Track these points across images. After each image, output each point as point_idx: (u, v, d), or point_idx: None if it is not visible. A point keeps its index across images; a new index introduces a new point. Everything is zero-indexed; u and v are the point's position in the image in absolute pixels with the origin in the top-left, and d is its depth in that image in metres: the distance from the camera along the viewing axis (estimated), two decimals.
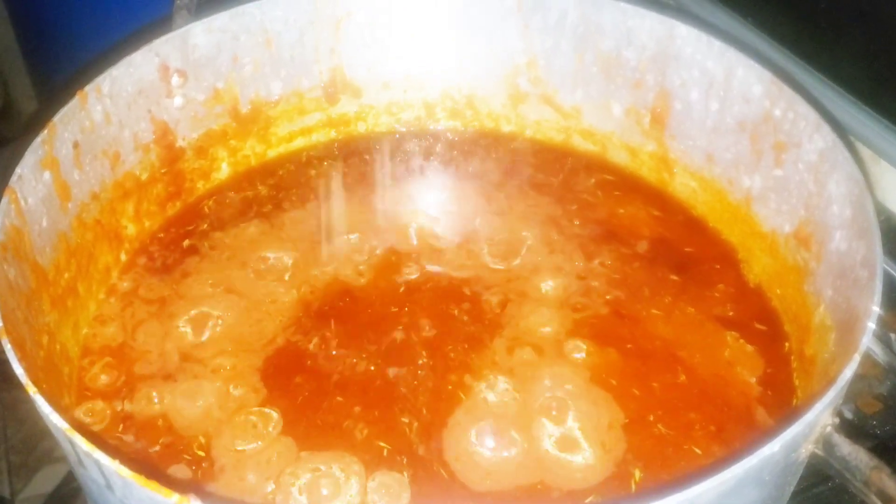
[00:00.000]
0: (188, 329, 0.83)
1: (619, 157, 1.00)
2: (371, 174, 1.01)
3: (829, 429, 0.59)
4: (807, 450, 0.59)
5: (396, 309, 0.85)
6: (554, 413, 0.75)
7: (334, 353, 0.81)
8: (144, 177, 0.91)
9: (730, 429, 0.75)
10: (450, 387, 0.78)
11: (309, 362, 0.80)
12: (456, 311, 0.84)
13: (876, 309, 0.62)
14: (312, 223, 0.94)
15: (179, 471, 0.71)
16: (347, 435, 0.74)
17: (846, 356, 0.60)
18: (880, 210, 0.99)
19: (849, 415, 0.85)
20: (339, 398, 0.77)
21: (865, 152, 0.99)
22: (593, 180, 0.99)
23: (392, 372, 0.79)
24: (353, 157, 1.03)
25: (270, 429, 0.74)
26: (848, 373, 0.58)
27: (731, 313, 0.84)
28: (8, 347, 0.60)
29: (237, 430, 0.74)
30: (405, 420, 0.75)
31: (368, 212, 0.95)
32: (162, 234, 0.92)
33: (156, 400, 0.76)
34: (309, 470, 0.71)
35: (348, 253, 0.90)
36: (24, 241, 0.73)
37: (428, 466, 0.72)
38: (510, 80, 1.02)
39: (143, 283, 0.87)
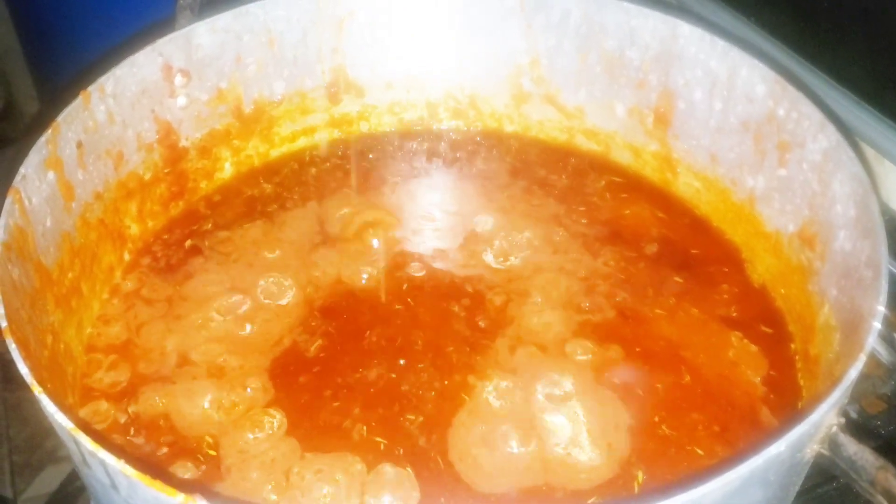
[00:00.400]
0: (192, 329, 0.82)
1: (622, 157, 1.00)
2: (374, 174, 1.01)
3: (834, 428, 0.58)
4: (812, 450, 0.59)
5: (400, 308, 0.85)
6: (558, 413, 0.75)
7: (338, 353, 0.81)
8: (148, 176, 0.91)
9: (734, 429, 0.75)
10: (453, 387, 0.78)
11: (313, 362, 0.80)
12: (459, 311, 0.84)
13: (881, 309, 0.62)
14: (315, 223, 0.94)
15: (184, 470, 0.71)
16: (351, 435, 0.74)
17: (851, 356, 0.60)
18: (884, 210, 0.99)
19: (853, 414, 0.84)
20: (342, 398, 0.77)
21: (869, 152, 0.99)
22: (596, 180, 0.99)
23: (395, 372, 0.79)
24: (356, 156, 1.03)
25: (276, 429, 0.74)
26: (853, 373, 0.58)
27: (735, 313, 0.84)
28: (13, 347, 0.60)
29: (242, 431, 0.74)
30: (409, 420, 0.75)
31: (371, 212, 0.95)
32: (165, 234, 0.92)
33: (160, 400, 0.76)
34: (314, 470, 0.71)
35: (352, 253, 0.90)
36: (29, 240, 0.73)
37: (432, 467, 0.72)
38: (513, 79, 1.02)
39: (146, 282, 0.87)
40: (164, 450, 0.73)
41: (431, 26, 1.01)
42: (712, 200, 0.94)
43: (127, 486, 0.53)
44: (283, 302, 0.85)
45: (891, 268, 0.67)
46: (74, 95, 0.81)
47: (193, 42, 0.91)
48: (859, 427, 0.83)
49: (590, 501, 0.70)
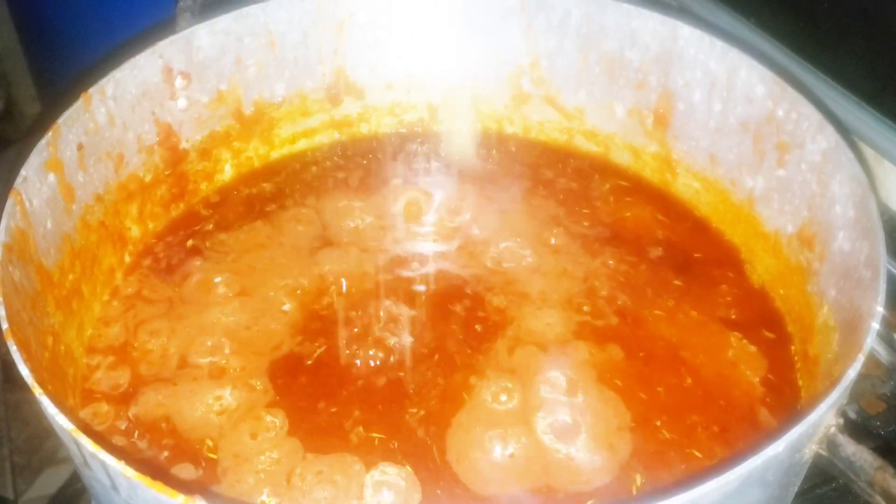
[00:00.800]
0: (193, 330, 0.83)
1: (622, 158, 1.01)
2: (374, 175, 1.01)
3: (833, 429, 0.59)
4: (811, 450, 0.59)
5: (400, 310, 0.85)
6: (558, 414, 0.75)
7: (338, 354, 0.81)
8: (148, 179, 0.91)
9: (733, 429, 0.75)
10: (454, 388, 0.78)
11: (314, 364, 0.80)
12: (459, 312, 0.85)
13: (880, 309, 0.62)
14: (316, 224, 0.94)
15: (185, 471, 0.71)
16: (351, 436, 0.74)
17: (850, 356, 0.60)
18: (883, 210, 0.99)
19: (852, 415, 0.84)
20: (343, 399, 0.77)
21: (869, 153, 0.99)
22: (596, 181, 0.99)
23: (396, 373, 0.79)
24: (356, 158, 1.03)
25: (277, 430, 0.74)
26: (852, 373, 0.58)
27: (734, 314, 0.84)
28: (14, 349, 0.60)
29: (243, 432, 0.74)
30: (409, 421, 0.75)
31: (371, 213, 0.95)
32: (166, 236, 0.92)
33: (161, 401, 0.76)
34: (314, 471, 0.71)
35: (352, 254, 0.90)
36: (30, 242, 0.73)
37: (431, 468, 0.72)
38: (513, 80, 1.02)
39: (147, 284, 0.87)
40: (165, 451, 0.73)
41: (432, 28, 1.01)
42: (712, 201, 0.94)
43: (127, 488, 0.53)
44: (283, 303, 0.85)
45: (890, 268, 0.67)
46: (75, 98, 0.81)
47: (194, 44, 0.91)
48: (858, 427, 0.83)
49: (589, 502, 0.70)
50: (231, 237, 0.92)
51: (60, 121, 0.79)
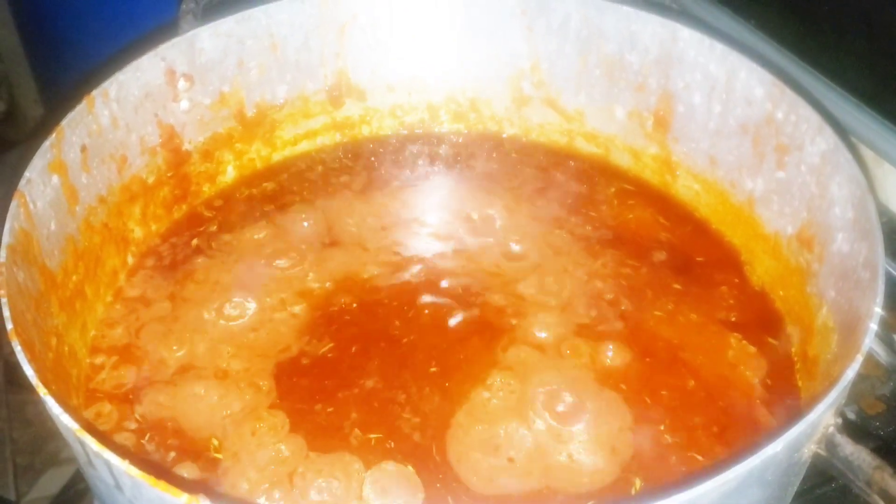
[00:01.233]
0: (196, 331, 0.83)
1: (622, 160, 1.01)
2: (376, 177, 1.01)
3: (831, 429, 0.59)
4: (810, 450, 0.60)
5: (401, 310, 0.85)
6: (558, 414, 0.75)
7: (340, 355, 0.81)
8: (151, 180, 0.91)
9: (733, 430, 0.75)
10: (454, 388, 0.78)
11: (316, 364, 0.80)
12: (461, 313, 0.85)
13: (878, 310, 0.63)
14: (318, 226, 0.94)
15: (189, 471, 0.72)
16: (354, 436, 0.74)
17: (848, 357, 0.61)
18: (883, 212, 0.99)
19: (852, 416, 0.85)
20: (344, 399, 0.77)
21: (868, 154, 0.99)
22: (596, 183, 0.99)
23: (397, 373, 0.79)
24: (358, 159, 1.03)
25: (280, 430, 0.74)
26: (850, 373, 0.59)
27: (734, 315, 0.85)
28: (18, 349, 0.60)
29: (246, 432, 0.74)
30: (410, 421, 0.75)
31: (373, 214, 0.96)
32: (169, 237, 0.93)
33: (164, 402, 0.77)
34: (317, 471, 0.71)
35: (353, 255, 0.91)
36: (33, 244, 0.73)
37: (431, 468, 0.72)
38: (514, 83, 1.03)
39: (150, 285, 0.88)
40: (169, 451, 0.73)
41: (433, 31, 1.02)
42: (711, 203, 0.94)
43: (131, 487, 0.54)
44: (286, 304, 0.85)
45: (888, 269, 0.68)
46: (78, 100, 0.81)
47: (196, 46, 0.91)
48: (858, 428, 0.84)
49: (588, 502, 0.70)
50: (234, 238, 0.93)
51: (64, 123, 0.79)
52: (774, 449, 0.53)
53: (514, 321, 0.84)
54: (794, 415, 0.75)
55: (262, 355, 0.81)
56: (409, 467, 0.72)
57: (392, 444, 0.74)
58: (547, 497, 0.71)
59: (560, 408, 0.76)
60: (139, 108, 0.88)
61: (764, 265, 0.88)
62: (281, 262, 0.90)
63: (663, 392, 0.78)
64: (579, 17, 0.96)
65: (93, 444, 0.54)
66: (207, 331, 0.83)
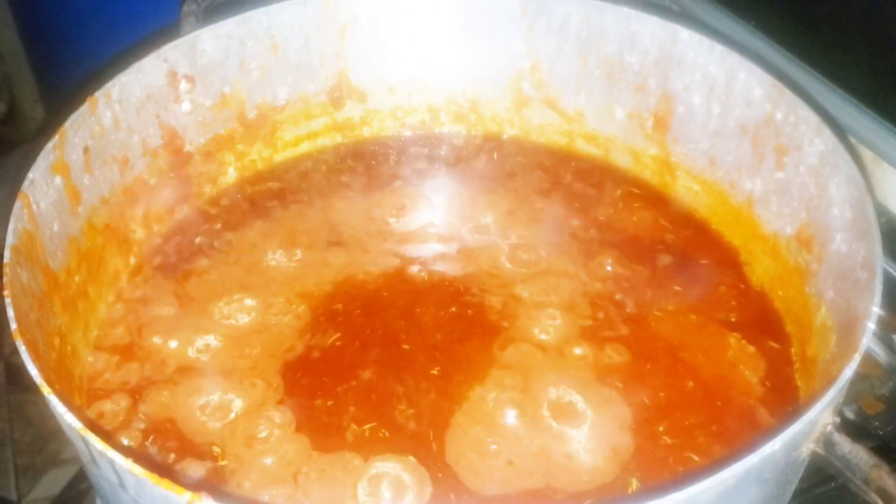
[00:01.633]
0: (198, 331, 0.83)
1: (621, 161, 1.01)
2: (376, 178, 1.02)
3: (829, 427, 0.59)
4: (808, 448, 0.60)
5: (402, 310, 0.85)
6: (557, 414, 0.76)
7: (342, 354, 0.81)
8: (153, 181, 0.92)
9: (732, 429, 0.75)
10: (454, 388, 0.78)
11: (319, 363, 0.81)
12: (461, 314, 0.85)
13: (876, 309, 0.63)
14: (319, 227, 0.95)
15: (192, 470, 0.72)
16: (353, 435, 0.75)
17: (847, 356, 0.61)
18: (882, 212, 1.00)
19: (851, 415, 0.85)
20: (344, 398, 0.77)
21: (868, 155, 0.99)
22: (596, 184, 1.00)
23: (399, 373, 0.79)
24: (359, 160, 1.04)
25: (283, 429, 0.75)
26: (848, 372, 0.59)
27: (733, 315, 0.85)
28: (22, 349, 0.61)
29: (251, 430, 0.75)
30: (410, 421, 0.76)
31: (373, 216, 0.96)
32: (171, 238, 0.93)
33: (167, 401, 0.77)
34: (320, 470, 0.72)
35: (354, 256, 0.91)
36: (37, 244, 0.73)
37: (431, 467, 0.72)
38: (514, 84, 1.03)
39: (152, 285, 0.88)
40: (172, 450, 0.74)
41: (433, 32, 1.02)
42: (711, 203, 0.94)
43: (135, 485, 0.54)
44: (288, 304, 0.86)
45: (887, 268, 0.68)
46: (81, 101, 0.82)
47: (198, 48, 0.92)
48: (857, 428, 0.84)
49: (588, 501, 0.71)
50: (235, 238, 0.93)
51: (67, 124, 0.79)
52: (773, 447, 0.54)
53: (514, 322, 0.84)
54: (793, 414, 0.75)
55: (264, 355, 0.81)
56: (413, 461, 0.72)
57: (391, 443, 0.74)
58: (547, 496, 0.71)
59: (559, 408, 0.76)
60: (141, 109, 0.88)
61: (763, 265, 0.88)
62: (282, 263, 0.90)
63: (663, 391, 0.78)
64: (579, 18, 0.96)
65: (97, 442, 0.54)
66: (209, 331, 0.83)
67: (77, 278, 0.80)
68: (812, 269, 0.80)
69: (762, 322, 0.84)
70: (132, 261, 0.90)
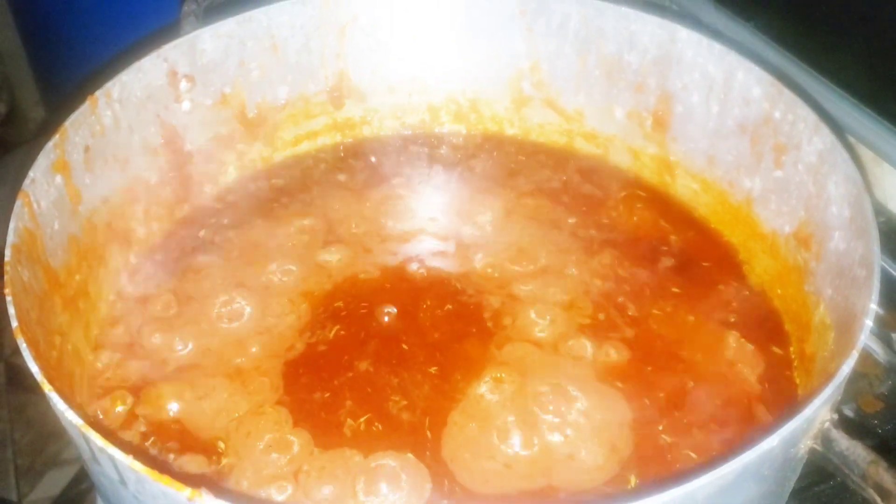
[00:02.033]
0: (198, 329, 0.83)
1: (621, 160, 1.01)
2: (376, 177, 1.02)
3: (827, 424, 0.59)
4: (806, 445, 0.60)
5: (401, 309, 0.86)
6: (558, 413, 0.76)
7: (341, 353, 0.82)
8: (153, 180, 0.92)
9: (731, 427, 0.75)
10: (454, 388, 0.78)
11: (318, 361, 0.81)
12: (459, 312, 0.85)
13: (874, 307, 0.63)
14: (318, 226, 0.95)
15: (193, 467, 0.72)
16: (352, 431, 0.75)
17: (844, 353, 0.61)
18: (881, 211, 1.00)
19: (850, 413, 0.85)
20: (343, 397, 0.78)
21: (867, 154, 1.00)
22: (595, 183, 1.00)
23: (398, 372, 0.80)
24: (359, 160, 1.04)
25: (284, 427, 0.75)
26: (846, 369, 0.59)
27: (732, 313, 0.85)
28: (23, 347, 0.61)
29: (251, 428, 0.75)
30: (411, 420, 0.76)
31: (373, 214, 0.96)
32: (171, 237, 0.93)
33: (167, 399, 0.77)
34: (320, 467, 0.72)
35: (354, 255, 0.91)
36: (37, 243, 0.74)
37: (431, 467, 0.72)
38: (514, 83, 1.03)
39: (152, 284, 0.88)
40: (173, 447, 0.74)
41: (433, 31, 1.02)
42: (710, 202, 0.95)
43: (136, 482, 0.54)
44: (289, 302, 0.86)
45: (885, 266, 0.68)
46: (81, 100, 0.82)
47: (198, 48, 0.92)
48: (856, 426, 0.84)
49: (586, 498, 0.71)
50: (235, 237, 0.93)
51: (67, 123, 0.79)
52: (770, 443, 0.54)
53: (513, 320, 0.84)
54: (792, 412, 0.75)
55: (264, 353, 0.81)
56: (412, 457, 0.72)
57: (391, 442, 0.74)
58: (547, 494, 0.71)
59: (559, 406, 0.76)
60: (141, 108, 0.89)
61: (762, 264, 0.88)
62: (282, 262, 0.90)
63: (662, 390, 0.78)
64: (579, 18, 0.96)
65: (97, 439, 0.54)
66: (209, 329, 0.83)
67: (78, 277, 0.80)
68: (811, 268, 0.80)
69: (761, 320, 0.84)
70: (133, 259, 0.90)
